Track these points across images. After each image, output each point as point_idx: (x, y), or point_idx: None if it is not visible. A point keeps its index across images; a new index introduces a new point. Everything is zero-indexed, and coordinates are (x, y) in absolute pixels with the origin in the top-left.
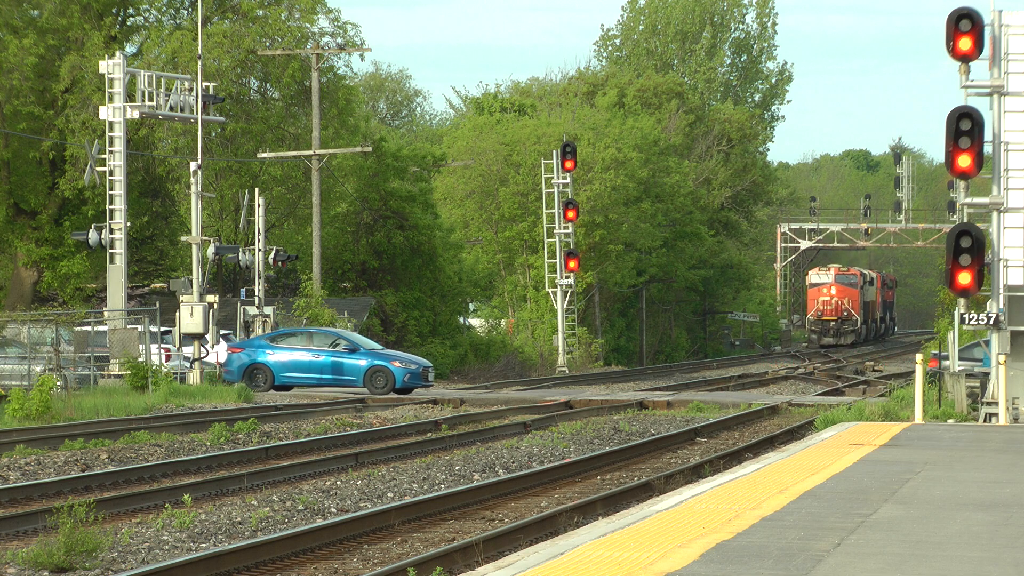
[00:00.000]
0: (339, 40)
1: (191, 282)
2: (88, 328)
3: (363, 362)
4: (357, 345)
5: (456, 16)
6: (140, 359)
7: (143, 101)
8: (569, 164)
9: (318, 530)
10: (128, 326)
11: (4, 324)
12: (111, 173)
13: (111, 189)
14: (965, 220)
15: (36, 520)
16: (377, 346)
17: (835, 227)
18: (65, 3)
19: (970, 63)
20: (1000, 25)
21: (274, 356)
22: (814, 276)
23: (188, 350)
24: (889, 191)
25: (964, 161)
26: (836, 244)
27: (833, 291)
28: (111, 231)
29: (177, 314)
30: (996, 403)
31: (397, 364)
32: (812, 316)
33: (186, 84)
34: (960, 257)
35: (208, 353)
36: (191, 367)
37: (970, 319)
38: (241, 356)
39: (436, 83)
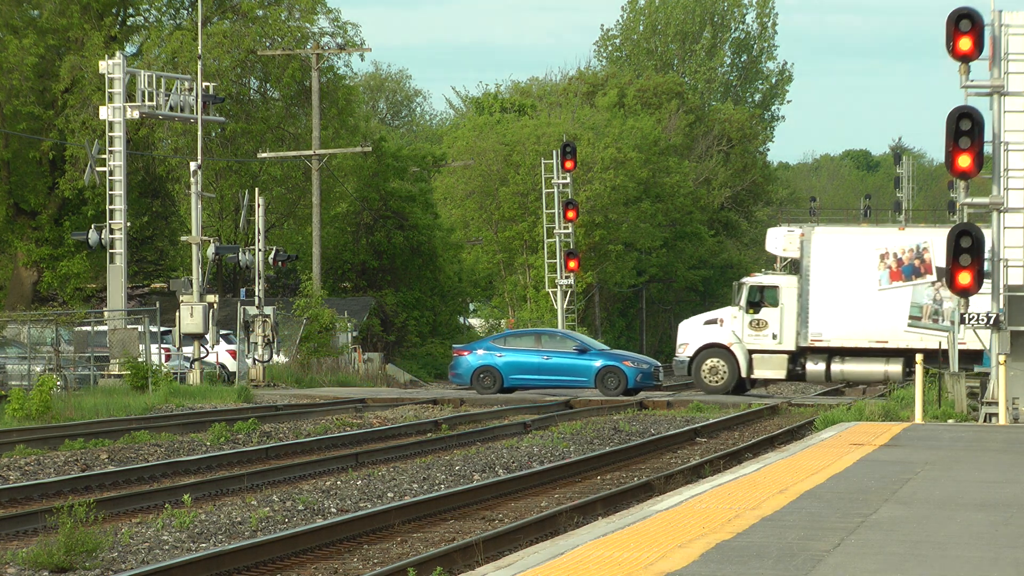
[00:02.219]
0: (339, 40)
1: (191, 282)
2: (88, 328)
3: (597, 363)
4: (587, 345)
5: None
6: (140, 359)
7: (143, 101)
8: (569, 164)
9: (318, 530)
10: (128, 326)
11: (4, 324)
12: (111, 173)
13: (111, 189)
14: (965, 220)
15: (36, 520)
16: (604, 346)
17: None
18: (65, 3)
19: (970, 63)
20: (1000, 25)
21: (503, 358)
22: None
23: (188, 350)
24: (889, 191)
25: (964, 161)
26: None
27: None
28: (111, 231)
29: (177, 314)
30: (996, 403)
31: (629, 364)
32: None
33: (186, 84)
34: (960, 257)
35: (208, 353)
36: (191, 367)
37: (970, 319)
38: (469, 359)
39: (436, 83)
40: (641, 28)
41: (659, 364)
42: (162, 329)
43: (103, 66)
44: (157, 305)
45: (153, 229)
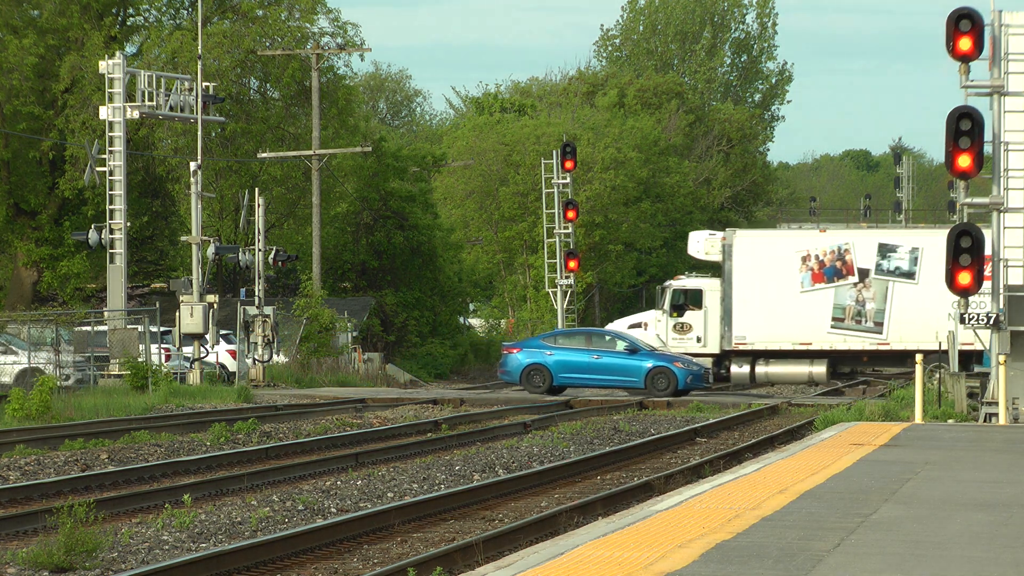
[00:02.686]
0: (339, 40)
1: (191, 282)
2: (88, 328)
3: (647, 364)
4: (637, 346)
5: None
6: (140, 359)
7: (143, 101)
8: (569, 164)
9: (318, 530)
10: (128, 326)
11: (4, 324)
12: (111, 173)
13: (111, 189)
14: (965, 220)
15: (36, 520)
16: (654, 346)
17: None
18: (65, 3)
19: (970, 63)
20: (1000, 25)
21: (553, 357)
22: None
23: (188, 350)
24: (889, 191)
25: (964, 161)
26: None
27: None
28: (111, 231)
29: (177, 314)
30: (996, 403)
31: (679, 365)
32: None
33: (186, 84)
34: (960, 257)
35: (208, 353)
36: (191, 367)
37: (970, 319)
38: (518, 357)
39: (436, 83)
40: (641, 28)
41: (708, 366)
42: (162, 329)
43: (103, 66)
44: (157, 305)
45: (153, 229)
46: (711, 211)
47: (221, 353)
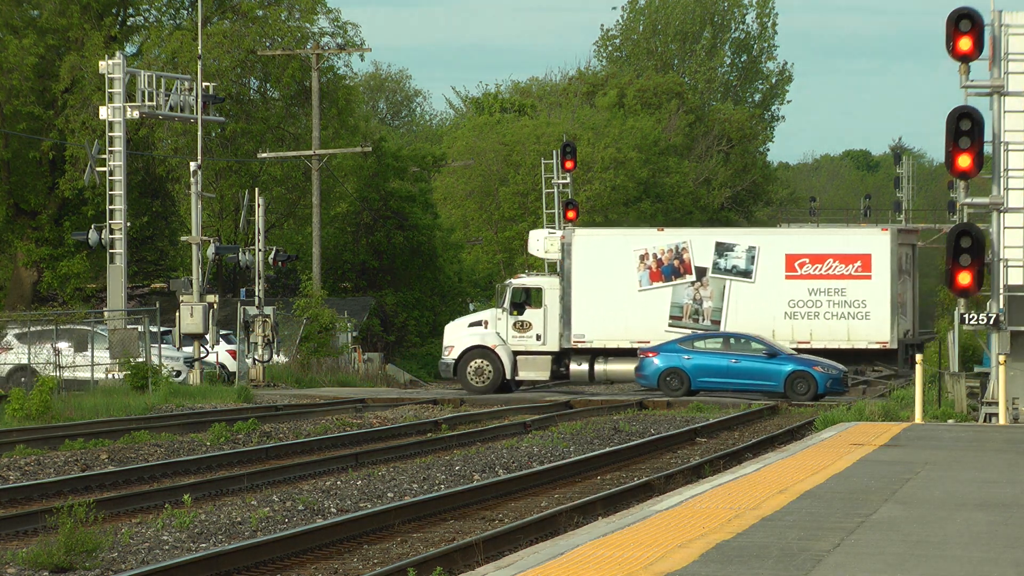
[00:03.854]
0: (339, 40)
1: (191, 282)
2: (88, 328)
3: (787, 368)
4: (775, 350)
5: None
6: (140, 359)
7: (143, 101)
8: (569, 164)
9: (318, 530)
10: (128, 326)
11: (4, 324)
12: (111, 173)
13: (111, 189)
14: (965, 220)
15: (36, 520)
16: (791, 350)
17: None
18: (65, 3)
19: (970, 63)
20: (1000, 25)
21: (691, 360)
22: None
23: (188, 350)
24: (889, 191)
25: (964, 161)
26: None
27: None
28: (111, 231)
29: (177, 314)
30: (996, 403)
31: (819, 369)
32: None
33: (186, 84)
34: (960, 257)
35: (208, 353)
36: (191, 367)
37: (970, 319)
38: (655, 360)
39: (436, 83)
40: (641, 28)
41: (846, 369)
42: (162, 329)
43: (103, 66)
44: (157, 305)
45: (153, 229)
46: (711, 211)
47: (221, 353)
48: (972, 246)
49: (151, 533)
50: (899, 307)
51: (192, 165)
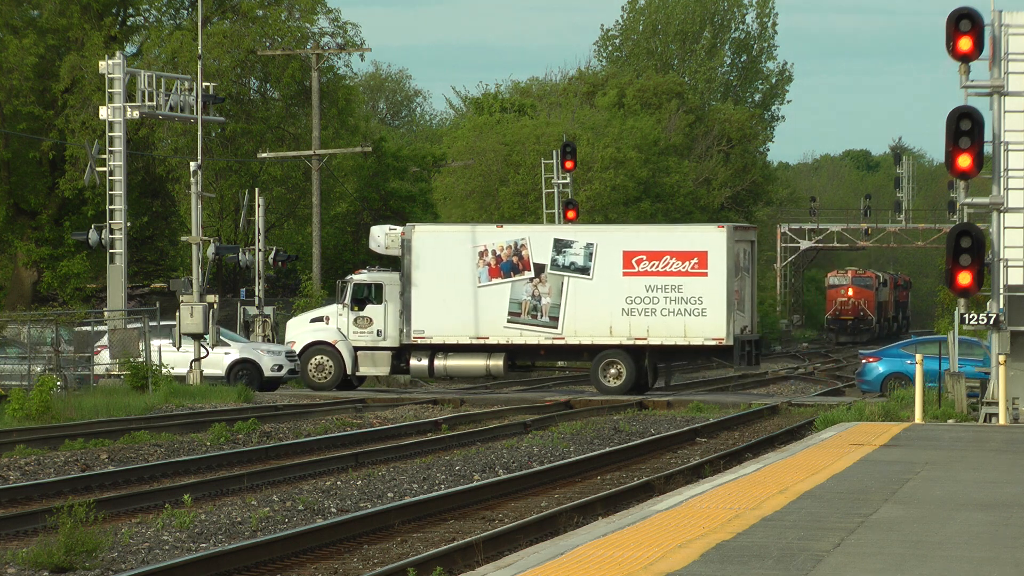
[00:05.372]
0: (339, 40)
1: (191, 282)
2: (88, 328)
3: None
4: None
5: (456, 16)
6: (140, 359)
7: (143, 101)
8: (569, 164)
9: (318, 530)
10: (128, 326)
11: (4, 324)
12: (111, 173)
13: (111, 189)
14: (965, 220)
15: (36, 520)
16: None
17: (835, 227)
18: (65, 3)
19: (970, 63)
20: (1000, 25)
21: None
22: (832, 278)
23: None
24: (889, 191)
25: (964, 161)
26: (836, 244)
27: (850, 292)
28: (111, 231)
29: (177, 314)
30: (996, 403)
31: None
32: (830, 315)
33: (186, 84)
34: (960, 257)
35: (208, 353)
36: (191, 367)
37: (970, 319)
38: (878, 366)
39: (436, 83)
40: (641, 28)
41: None
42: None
43: (103, 66)
44: (157, 305)
45: (153, 229)
46: (711, 211)
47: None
48: (972, 246)
49: (151, 533)
50: (736, 304)
51: (192, 165)
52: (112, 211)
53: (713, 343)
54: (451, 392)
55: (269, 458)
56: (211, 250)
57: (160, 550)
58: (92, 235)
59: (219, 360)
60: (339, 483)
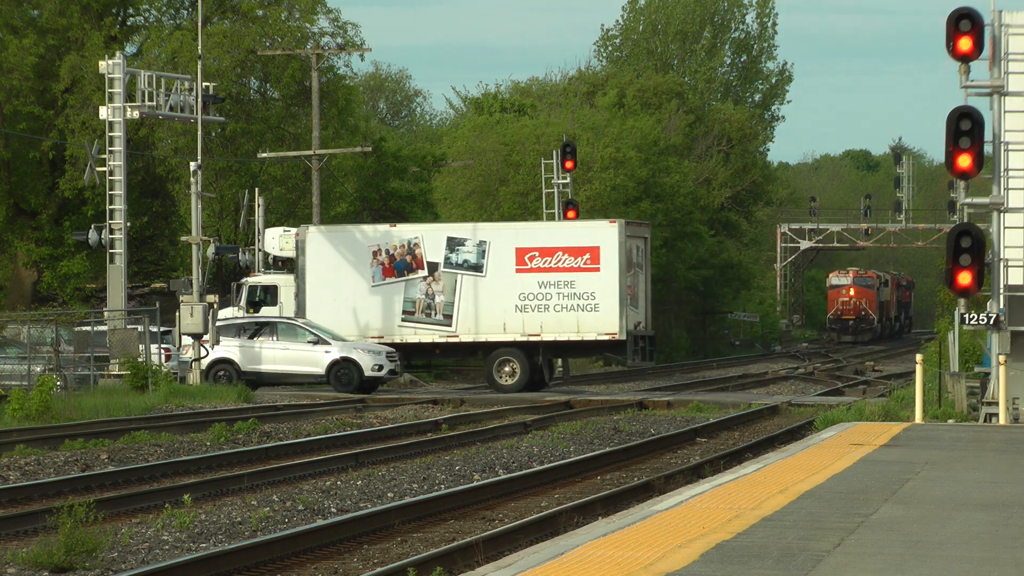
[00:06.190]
0: (339, 40)
1: (191, 282)
2: (88, 328)
3: None
4: None
5: (456, 16)
6: (140, 359)
7: (143, 101)
8: (569, 164)
9: (318, 530)
10: (128, 326)
11: (4, 324)
12: (111, 173)
13: (111, 189)
14: (965, 220)
15: (36, 520)
16: None
17: (835, 227)
18: (65, 3)
19: (970, 63)
20: (1000, 25)
21: None
22: (834, 278)
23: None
24: (889, 191)
25: (964, 161)
26: (836, 244)
27: (851, 292)
28: (111, 231)
29: (177, 314)
30: (996, 403)
31: None
32: (832, 315)
33: (186, 84)
34: (960, 257)
35: (208, 353)
36: (191, 367)
37: (970, 319)
38: None
39: (436, 83)
40: (641, 28)
41: None
42: (162, 329)
43: (103, 66)
44: (157, 305)
45: (153, 229)
46: (711, 211)
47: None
48: (972, 246)
49: (151, 533)
50: (630, 299)
51: (192, 165)
52: (112, 211)
53: (607, 338)
54: (451, 392)
55: (269, 458)
56: (211, 250)
57: (160, 550)
58: (92, 235)
59: (318, 359)
60: (339, 483)
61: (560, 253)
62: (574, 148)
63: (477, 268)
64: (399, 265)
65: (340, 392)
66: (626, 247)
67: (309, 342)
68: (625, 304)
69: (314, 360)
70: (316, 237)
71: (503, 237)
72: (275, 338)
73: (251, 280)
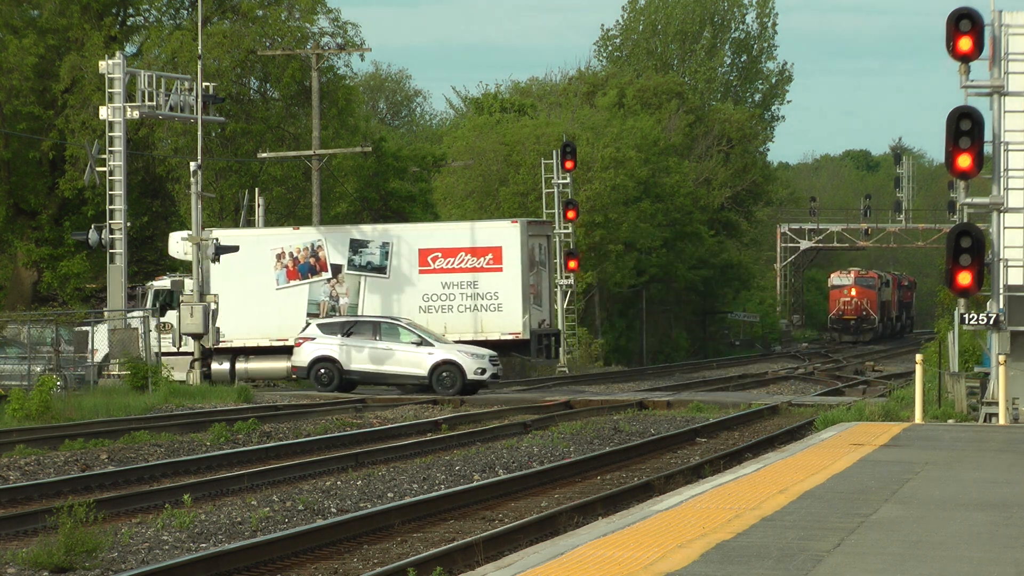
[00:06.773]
0: (339, 40)
1: (183, 282)
2: (88, 328)
3: None
4: None
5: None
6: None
7: (143, 101)
8: (569, 164)
9: (318, 530)
10: (128, 326)
11: (4, 324)
12: (111, 173)
13: (111, 189)
14: (965, 220)
15: (36, 520)
16: None
17: (835, 227)
18: (65, 3)
19: (970, 63)
20: (1000, 25)
21: None
22: (835, 278)
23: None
24: (889, 191)
25: (964, 161)
26: (836, 244)
27: (853, 292)
28: (111, 231)
29: (177, 314)
30: (996, 403)
31: None
32: (834, 315)
33: (186, 84)
34: (960, 257)
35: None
36: (191, 367)
37: (970, 319)
38: None
39: (436, 83)
40: (641, 28)
41: None
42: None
43: (103, 66)
44: (157, 305)
45: (153, 229)
46: (711, 211)
47: None
48: (972, 246)
49: (151, 533)
50: (533, 298)
51: (192, 165)
52: (112, 211)
53: (510, 337)
54: (451, 392)
55: (269, 458)
56: (211, 250)
57: (160, 550)
58: (92, 235)
59: (421, 360)
60: (339, 483)
61: (463, 253)
62: (574, 148)
63: (380, 270)
64: (303, 268)
65: (442, 395)
66: (528, 246)
67: (412, 343)
68: (528, 303)
69: (417, 362)
70: (220, 240)
71: (406, 238)
72: (378, 337)
73: (156, 284)
